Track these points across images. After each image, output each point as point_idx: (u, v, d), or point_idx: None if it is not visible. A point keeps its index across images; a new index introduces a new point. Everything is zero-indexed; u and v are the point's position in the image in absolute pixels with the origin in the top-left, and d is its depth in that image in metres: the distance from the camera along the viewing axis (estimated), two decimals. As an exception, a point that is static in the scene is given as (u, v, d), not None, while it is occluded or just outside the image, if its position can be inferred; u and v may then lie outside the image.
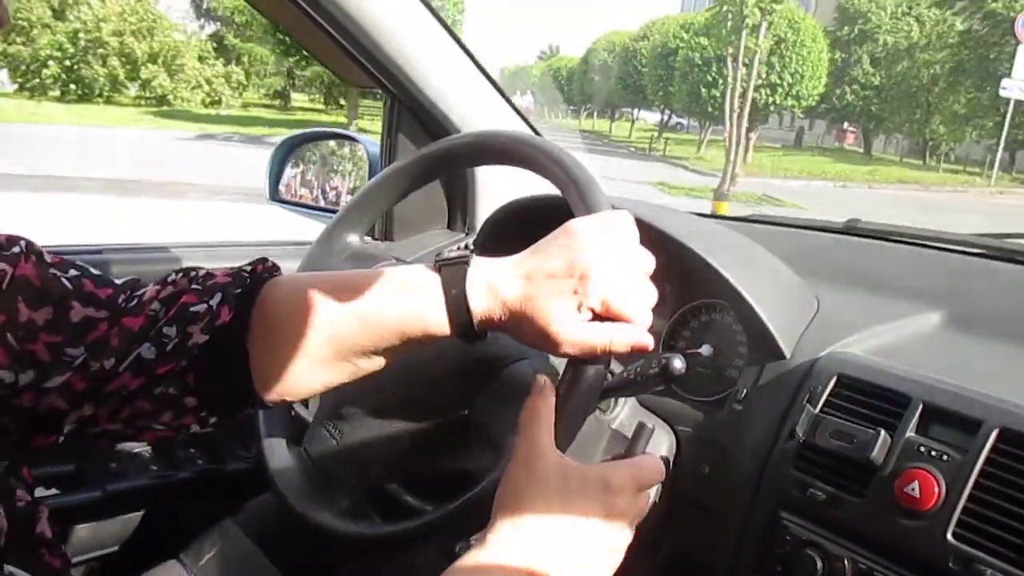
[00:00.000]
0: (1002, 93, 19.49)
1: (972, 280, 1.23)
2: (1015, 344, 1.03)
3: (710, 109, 18.70)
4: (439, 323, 0.67)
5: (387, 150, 1.25)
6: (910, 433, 0.85)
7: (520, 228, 1.23)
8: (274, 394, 0.70)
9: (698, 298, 1.13)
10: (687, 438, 1.02)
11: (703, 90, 18.85)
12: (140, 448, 1.25)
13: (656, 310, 1.16)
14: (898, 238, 1.41)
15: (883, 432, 0.85)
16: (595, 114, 40.15)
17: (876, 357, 0.97)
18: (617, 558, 0.70)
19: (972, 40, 25.09)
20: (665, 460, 0.98)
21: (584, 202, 0.77)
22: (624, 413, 1.01)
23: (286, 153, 1.37)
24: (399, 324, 0.67)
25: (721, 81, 16.51)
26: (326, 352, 0.68)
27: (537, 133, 1.33)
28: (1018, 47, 19.18)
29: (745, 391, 1.00)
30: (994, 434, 0.80)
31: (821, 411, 0.91)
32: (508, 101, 1.32)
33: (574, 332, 0.66)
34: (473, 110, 1.25)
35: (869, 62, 28.80)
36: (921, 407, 0.86)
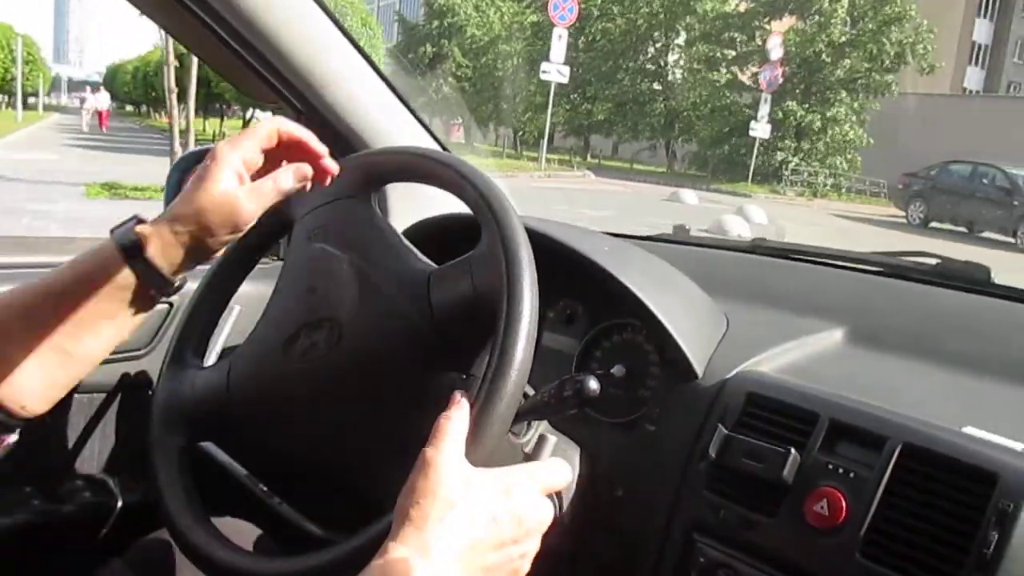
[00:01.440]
0: (543, 76, 21.11)
1: (871, 297, 1.27)
2: (913, 359, 1.06)
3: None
4: (119, 267, 0.71)
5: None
6: (817, 451, 0.86)
7: (431, 246, 1.21)
8: (14, 403, 0.71)
9: (611, 318, 1.12)
10: (600, 461, 1.01)
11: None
12: (19, 480, 1.17)
13: (569, 331, 1.17)
14: (801, 256, 1.44)
15: (793, 451, 0.85)
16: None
17: (784, 375, 0.98)
18: (523, 566, 0.68)
19: (542, 31, 26.83)
20: (575, 476, 0.97)
21: (499, 229, 0.76)
22: (536, 436, 0.99)
23: (185, 169, 1.31)
24: (86, 282, 0.71)
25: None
26: (32, 342, 0.71)
27: (446, 149, 1.31)
28: (553, 30, 20.72)
29: (658, 412, 1.00)
30: (898, 450, 0.81)
31: (732, 430, 0.91)
32: (416, 116, 1.30)
33: None
34: (381, 126, 1.22)
35: (460, 54, 29.83)
36: (828, 424, 0.87)
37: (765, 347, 1.04)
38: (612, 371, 1.10)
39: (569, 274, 1.05)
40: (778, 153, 25.32)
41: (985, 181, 17.64)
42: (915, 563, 0.76)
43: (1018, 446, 0.80)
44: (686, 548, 0.92)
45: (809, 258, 1.42)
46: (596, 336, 1.14)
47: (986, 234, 16.95)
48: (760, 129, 23.52)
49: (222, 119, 23.90)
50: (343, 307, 0.83)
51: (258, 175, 0.77)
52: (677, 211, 14.42)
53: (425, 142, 1.28)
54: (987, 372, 1.01)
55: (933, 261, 1.29)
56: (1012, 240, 16.06)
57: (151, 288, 0.73)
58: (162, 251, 0.73)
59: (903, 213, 19.18)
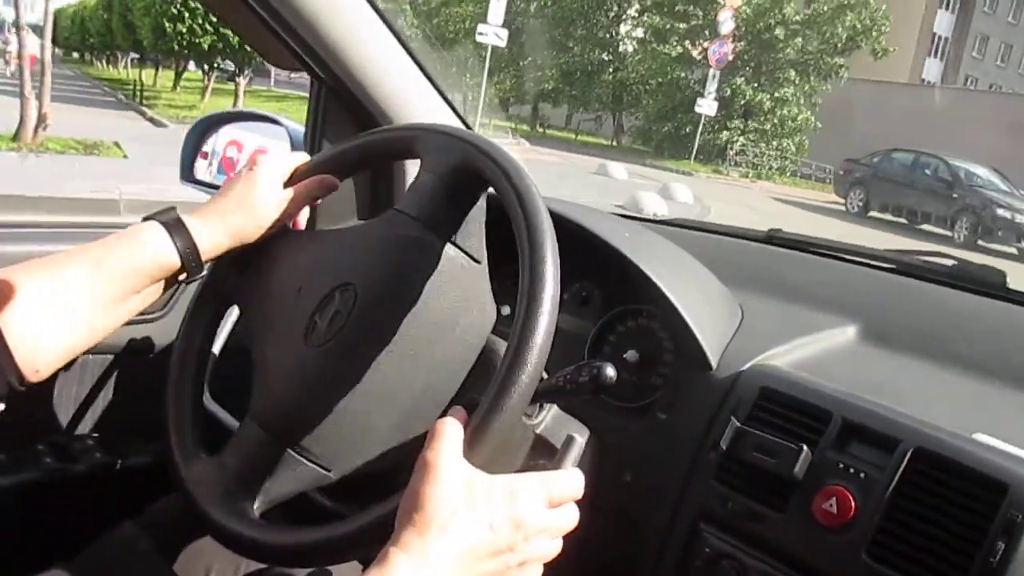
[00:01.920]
0: (479, 38, 20.54)
1: (886, 296, 1.27)
2: (925, 361, 1.06)
3: (176, 47, 17.61)
4: (164, 248, 0.78)
5: (312, 137, 1.20)
6: (829, 450, 0.87)
7: None
8: (28, 367, 0.73)
9: (626, 303, 1.12)
10: (610, 445, 1.02)
11: (167, 24, 17.62)
12: (31, 439, 1.17)
13: (583, 313, 1.17)
14: (816, 249, 1.44)
15: (805, 448, 0.86)
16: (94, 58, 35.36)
17: (798, 370, 0.99)
18: (532, 572, 0.68)
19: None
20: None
21: (523, 212, 0.75)
22: (549, 418, 1.00)
23: (202, 133, 1.30)
24: (127, 259, 0.77)
25: (188, 15, 15.28)
26: (63, 308, 0.74)
27: (468, 126, 1.30)
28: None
29: (670, 400, 1.00)
30: (910, 453, 0.82)
31: (744, 423, 0.92)
32: (440, 91, 1.29)
33: None
34: (405, 100, 1.21)
35: (412, 14, 28.34)
36: (841, 423, 0.87)
37: (779, 341, 1.05)
38: (625, 356, 1.10)
39: (586, 256, 1.05)
40: (724, 132, 24.73)
41: (928, 172, 17.19)
42: (921, 566, 0.77)
43: None
44: (691, 537, 0.93)
45: (825, 252, 1.42)
46: (610, 320, 1.14)
47: (925, 227, 16.56)
48: (706, 106, 22.91)
49: (157, 69, 22.87)
50: (350, 272, 0.83)
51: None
52: (603, 185, 14.11)
53: (448, 119, 1.27)
54: (999, 378, 1.01)
55: (949, 262, 1.29)
56: (949, 234, 15.56)
57: (186, 271, 0.81)
58: (209, 238, 0.82)
59: (843, 200, 18.69)
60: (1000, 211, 15.25)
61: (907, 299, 1.25)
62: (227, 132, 1.33)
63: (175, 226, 0.80)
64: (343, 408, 0.77)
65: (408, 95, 1.21)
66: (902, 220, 17.12)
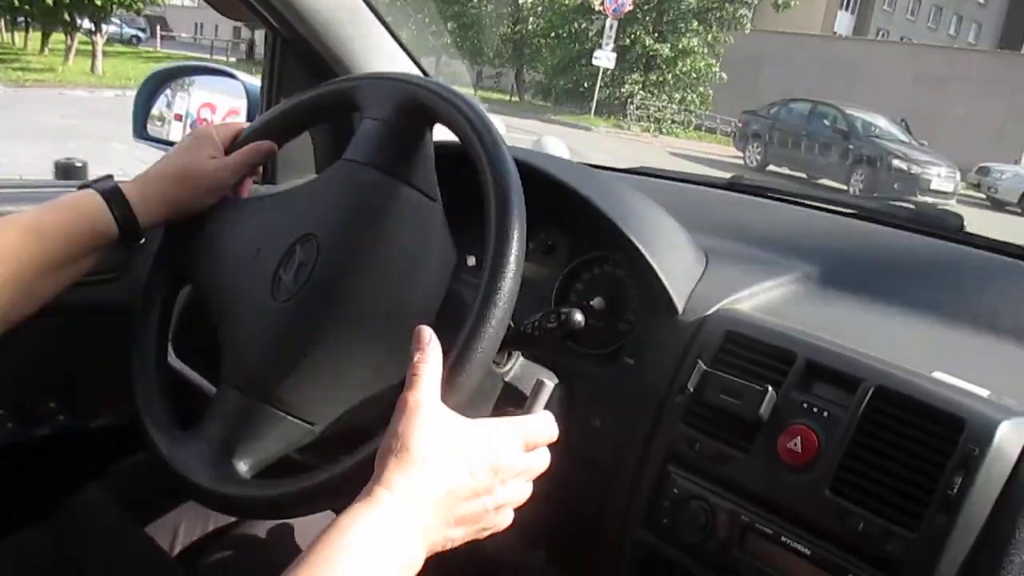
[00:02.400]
0: None
1: (846, 240, 1.29)
2: (885, 303, 1.08)
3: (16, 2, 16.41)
4: (101, 214, 0.79)
5: (269, 92, 1.17)
6: (794, 390, 0.88)
7: None
8: None
9: (592, 251, 1.12)
10: (578, 392, 1.03)
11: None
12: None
13: (548, 261, 1.17)
14: (778, 196, 1.45)
15: (771, 389, 0.87)
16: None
17: (762, 314, 1.00)
18: (506, 516, 0.69)
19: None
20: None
21: (490, 162, 0.75)
22: (517, 366, 1.00)
23: (154, 88, 1.27)
24: (64, 225, 0.78)
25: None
26: (1, 275, 0.74)
27: (426, 74, 1.28)
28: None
29: (637, 345, 1.01)
30: (871, 391, 0.84)
31: (711, 367, 0.93)
32: (398, 41, 1.26)
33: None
34: (362, 50, 1.19)
35: None
36: (805, 364, 0.89)
37: (743, 285, 1.06)
38: (592, 303, 1.10)
39: (551, 204, 1.05)
40: (624, 85, 24.17)
41: (826, 123, 16.34)
42: (882, 501, 0.79)
43: (985, 393, 0.83)
44: (660, 479, 0.94)
45: (786, 198, 1.43)
46: (576, 268, 1.14)
47: (823, 180, 15.74)
48: (604, 58, 21.92)
49: (27, 30, 21.82)
50: (309, 224, 0.82)
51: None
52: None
53: (408, 68, 1.25)
54: (957, 319, 1.03)
55: (908, 206, 1.31)
56: (845, 187, 14.69)
57: (124, 237, 0.81)
58: (144, 206, 0.82)
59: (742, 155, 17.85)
60: (896, 162, 14.47)
61: (867, 243, 1.27)
62: (199, 94, 1.30)
63: (112, 195, 0.80)
64: (319, 359, 0.77)
65: (365, 45, 1.19)
66: (800, 174, 16.45)
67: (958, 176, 14.85)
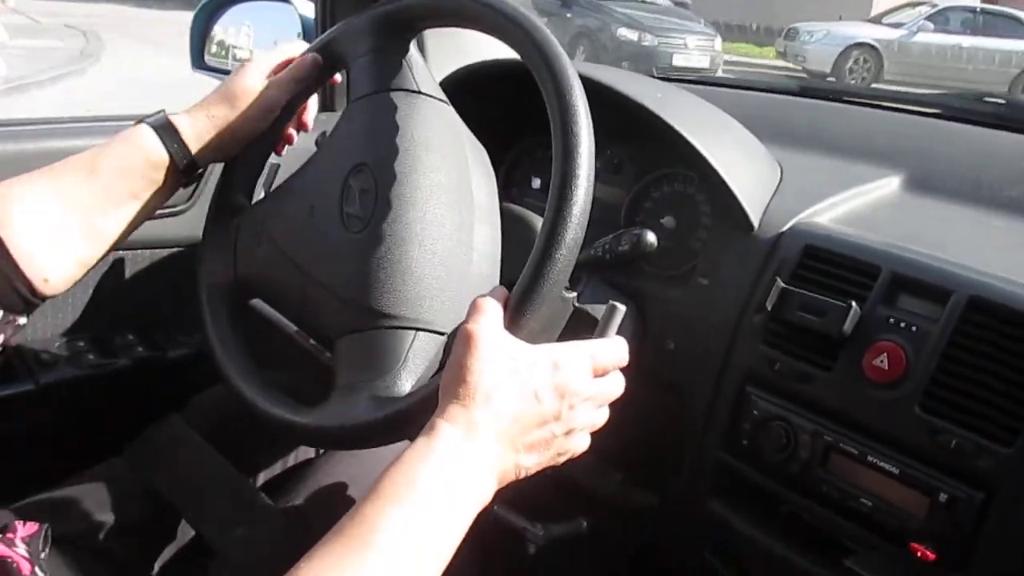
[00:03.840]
0: None
1: (929, 142, 1.21)
2: (974, 207, 1.02)
3: None
4: (153, 146, 0.78)
5: (324, 14, 1.14)
6: (879, 305, 0.84)
7: (478, 93, 1.15)
8: (38, 278, 0.74)
9: (661, 167, 1.08)
10: (651, 313, 1.00)
11: None
12: (73, 336, 1.19)
13: (617, 180, 1.13)
14: (853, 98, 1.38)
15: (854, 305, 0.84)
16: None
17: (842, 226, 0.95)
18: (580, 441, 0.68)
19: None
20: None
21: (553, 79, 0.71)
22: (588, 290, 0.98)
23: (208, 17, 1.25)
24: (119, 160, 0.78)
25: None
26: (64, 215, 0.75)
27: None
28: None
29: (711, 264, 0.98)
30: (964, 303, 0.79)
31: (789, 283, 0.89)
32: None
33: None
34: None
35: None
36: (890, 277, 0.85)
37: (821, 197, 1.01)
38: (663, 221, 1.07)
39: (618, 120, 1.01)
40: None
41: None
42: (976, 416, 0.76)
43: None
44: (739, 400, 0.92)
45: (862, 100, 1.36)
46: (646, 186, 1.10)
47: None
48: None
49: None
50: (354, 156, 0.82)
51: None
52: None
53: None
54: None
55: (999, 101, 1.23)
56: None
57: (180, 168, 0.80)
58: (195, 133, 0.81)
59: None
60: (623, 32, 10.99)
61: (953, 144, 1.19)
62: (254, 21, 1.27)
63: (163, 124, 0.80)
64: (422, 271, 0.76)
65: None
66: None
67: (718, 45, 11.47)
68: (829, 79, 11.98)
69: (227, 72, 1.24)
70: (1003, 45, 12.33)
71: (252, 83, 0.84)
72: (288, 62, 0.87)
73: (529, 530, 1.09)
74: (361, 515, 0.55)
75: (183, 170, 0.81)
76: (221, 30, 1.27)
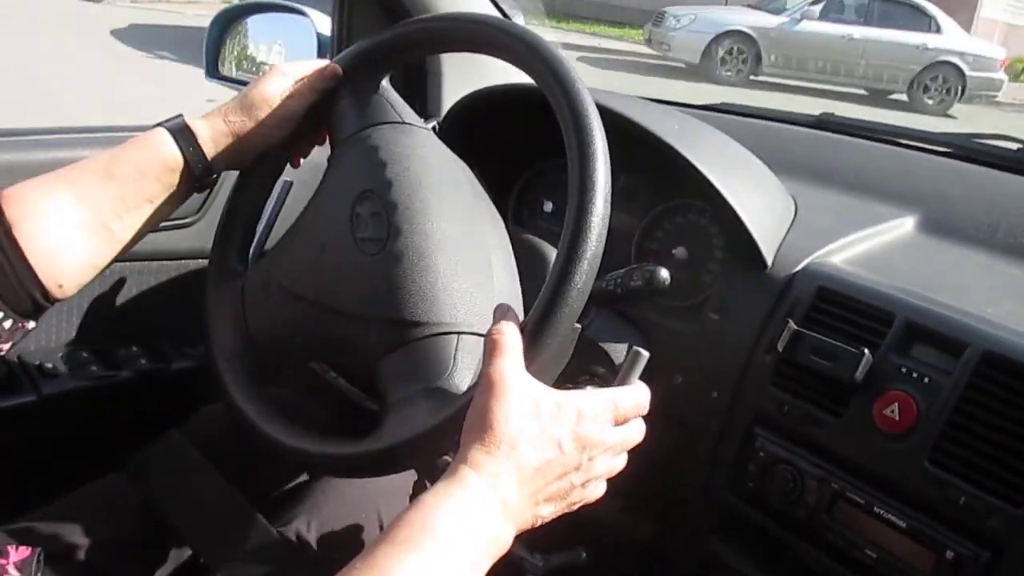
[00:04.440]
0: None
1: (945, 183, 1.20)
2: (988, 253, 1.02)
3: None
4: (170, 150, 0.78)
5: (341, 29, 1.13)
6: (892, 353, 0.83)
7: (490, 116, 1.14)
8: (51, 281, 0.73)
9: (674, 198, 1.08)
10: (659, 345, 0.99)
11: None
12: (76, 347, 1.18)
13: (630, 208, 1.12)
14: (869, 134, 1.37)
15: (867, 352, 0.83)
16: None
17: (857, 268, 0.94)
18: (596, 489, 0.68)
19: None
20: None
21: (569, 107, 0.70)
22: (598, 320, 0.97)
23: (223, 27, 1.24)
24: (135, 163, 0.77)
25: None
26: (80, 218, 0.74)
27: (506, 16, 1.22)
28: None
29: (722, 300, 0.97)
30: (978, 357, 0.78)
31: (800, 325, 0.88)
32: None
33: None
34: None
35: None
36: (904, 325, 0.84)
37: (835, 236, 1.00)
38: (674, 252, 1.06)
39: (634, 149, 1.00)
40: None
41: None
42: (986, 474, 0.75)
43: None
44: (746, 441, 0.91)
45: (878, 136, 1.35)
46: (658, 216, 1.09)
47: None
48: None
49: None
50: (359, 183, 0.82)
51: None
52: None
53: (487, 10, 1.19)
54: None
55: (1014, 145, 1.22)
56: None
57: (195, 173, 0.80)
58: (211, 138, 0.81)
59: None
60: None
61: (969, 186, 1.18)
62: (270, 34, 1.26)
63: (180, 129, 0.80)
64: (449, 278, 0.76)
65: None
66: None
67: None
68: (701, 70, 10.70)
69: (241, 83, 1.23)
70: (902, 38, 10.80)
71: (271, 92, 0.83)
72: (307, 71, 0.86)
73: (528, 560, 1.08)
74: (373, 560, 0.54)
75: (198, 175, 0.81)
76: (252, 44, 1.26)
